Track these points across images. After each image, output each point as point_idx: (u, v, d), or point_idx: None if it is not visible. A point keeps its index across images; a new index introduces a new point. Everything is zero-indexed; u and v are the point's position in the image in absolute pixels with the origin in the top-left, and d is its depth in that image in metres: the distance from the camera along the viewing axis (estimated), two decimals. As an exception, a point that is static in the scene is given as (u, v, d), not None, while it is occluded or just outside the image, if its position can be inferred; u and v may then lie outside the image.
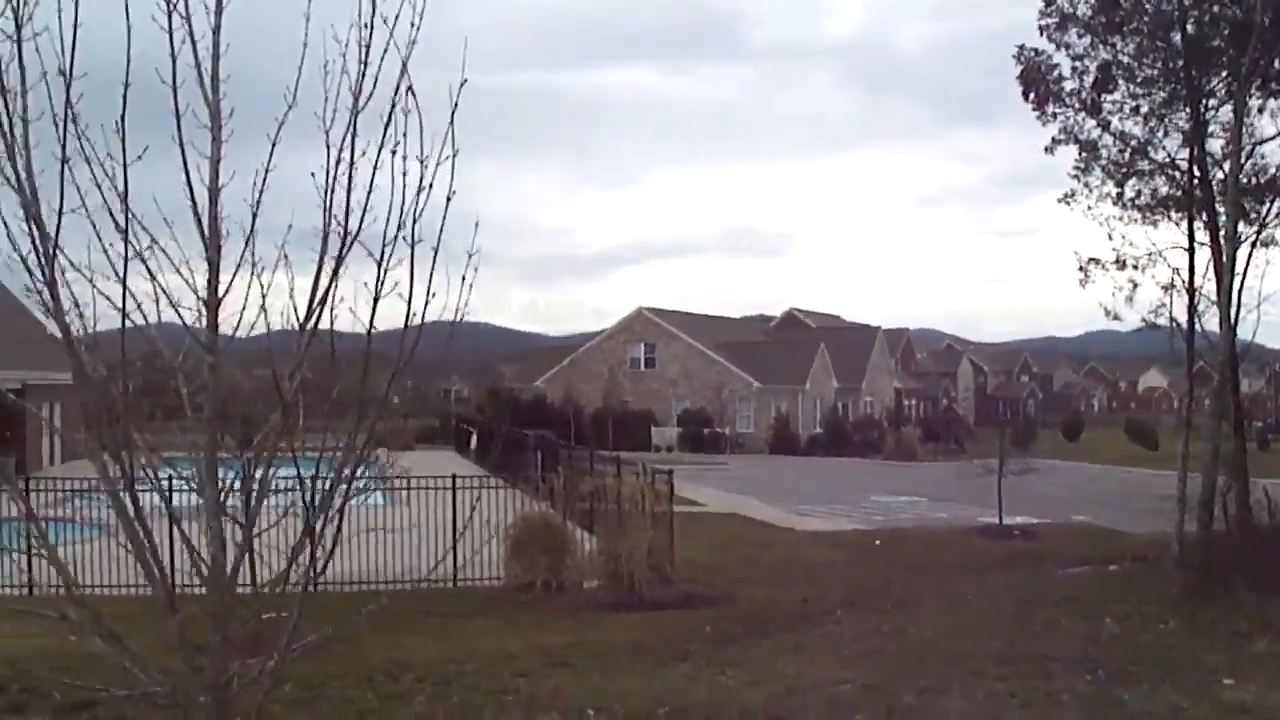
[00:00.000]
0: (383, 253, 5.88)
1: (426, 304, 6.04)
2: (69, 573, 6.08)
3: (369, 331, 5.96)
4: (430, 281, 5.98)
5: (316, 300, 5.88)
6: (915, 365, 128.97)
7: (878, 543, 28.24)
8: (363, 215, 5.80)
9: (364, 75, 5.65)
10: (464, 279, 5.88)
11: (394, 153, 5.69)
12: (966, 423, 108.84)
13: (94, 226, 5.71)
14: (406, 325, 6.05)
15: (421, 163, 5.71)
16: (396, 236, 5.84)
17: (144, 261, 5.72)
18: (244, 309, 5.94)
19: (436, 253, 5.91)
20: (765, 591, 20.58)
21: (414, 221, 5.75)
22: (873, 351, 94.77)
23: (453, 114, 5.68)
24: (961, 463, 46.55)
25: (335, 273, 5.87)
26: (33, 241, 5.63)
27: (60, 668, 13.05)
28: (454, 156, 5.72)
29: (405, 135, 5.73)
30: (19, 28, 5.34)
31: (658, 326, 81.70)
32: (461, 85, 5.67)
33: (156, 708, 7.09)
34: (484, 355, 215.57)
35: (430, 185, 5.75)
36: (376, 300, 5.89)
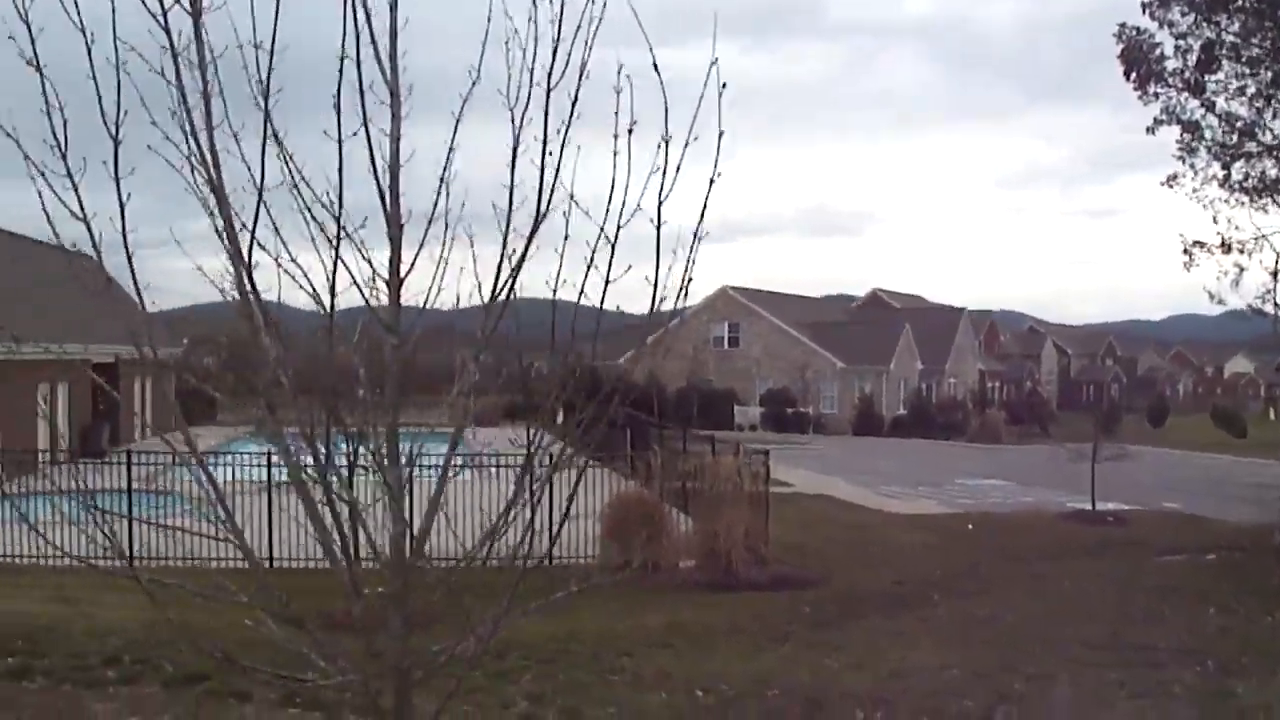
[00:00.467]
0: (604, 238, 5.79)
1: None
2: (252, 553, 6.07)
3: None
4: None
5: (503, 281, 5.83)
6: (999, 347, 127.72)
7: (969, 527, 28.00)
8: (551, 194, 5.72)
9: (556, 51, 5.56)
10: (688, 265, 5.76)
11: (629, 132, 5.56)
12: (1050, 406, 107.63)
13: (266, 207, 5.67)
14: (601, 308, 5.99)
15: (666, 143, 5.59)
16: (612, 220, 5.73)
17: (336, 241, 5.70)
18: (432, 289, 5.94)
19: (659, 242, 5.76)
20: (858, 573, 20.51)
21: (660, 203, 5.63)
22: (957, 333, 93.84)
23: (718, 92, 5.53)
24: (1049, 446, 46.07)
25: (524, 254, 5.83)
26: (225, 223, 5.63)
27: (169, 642, 13.33)
28: (720, 138, 5.58)
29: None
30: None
31: (742, 305, 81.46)
32: (712, 65, 5.51)
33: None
34: (566, 334, 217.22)
35: (676, 168, 5.62)
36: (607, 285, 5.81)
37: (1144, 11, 25.98)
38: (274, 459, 21.38)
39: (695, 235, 5.72)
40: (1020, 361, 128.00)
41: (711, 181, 5.68)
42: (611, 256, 5.81)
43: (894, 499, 33.61)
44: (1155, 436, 79.74)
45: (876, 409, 76.86)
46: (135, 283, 5.99)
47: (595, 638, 14.37)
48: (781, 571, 19.66)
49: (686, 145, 5.57)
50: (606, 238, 5.75)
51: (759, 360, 79.76)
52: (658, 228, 5.62)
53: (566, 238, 5.87)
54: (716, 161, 5.59)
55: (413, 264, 5.84)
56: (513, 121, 5.67)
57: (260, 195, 5.58)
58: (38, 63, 5.24)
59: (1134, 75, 26.35)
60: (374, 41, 5.45)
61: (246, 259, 5.65)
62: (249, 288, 5.72)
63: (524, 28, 5.51)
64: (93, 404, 44.08)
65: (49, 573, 20.81)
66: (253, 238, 5.64)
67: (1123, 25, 26.46)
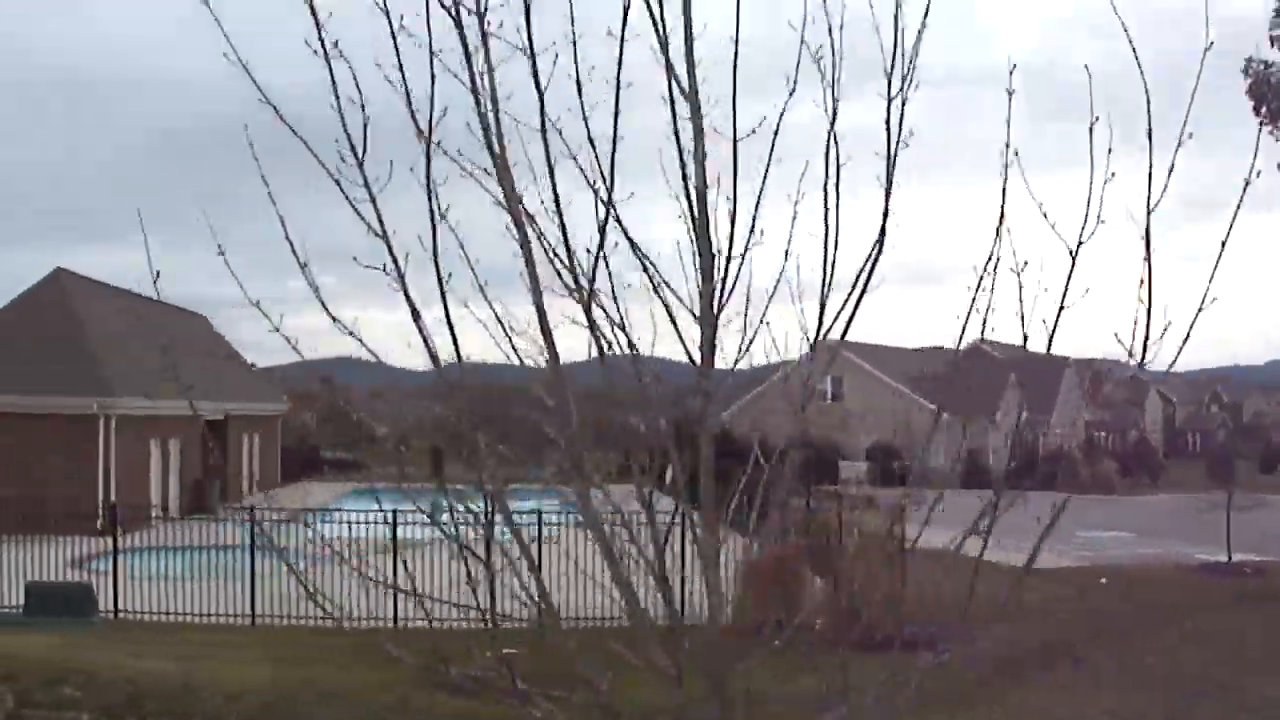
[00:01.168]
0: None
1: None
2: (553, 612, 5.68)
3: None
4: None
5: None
6: (1102, 396, 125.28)
7: (1102, 580, 27.11)
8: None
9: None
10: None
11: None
12: (1159, 455, 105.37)
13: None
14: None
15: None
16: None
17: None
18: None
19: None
20: (1001, 629, 19.72)
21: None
22: (1061, 382, 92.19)
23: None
24: (1167, 496, 44.86)
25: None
26: (532, 283, 5.58)
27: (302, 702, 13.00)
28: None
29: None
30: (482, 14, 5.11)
31: (844, 358, 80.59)
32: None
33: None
34: (660, 389, 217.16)
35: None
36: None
37: (1273, 44, 25.30)
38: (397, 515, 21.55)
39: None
40: (1125, 410, 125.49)
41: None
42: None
43: (1017, 552, 32.63)
44: (1270, 484, 77.52)
45: (983, 460, 75.55)
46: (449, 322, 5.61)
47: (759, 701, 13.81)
48: (924, 629, 18.87)
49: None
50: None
51: (862, 414, 78.83)
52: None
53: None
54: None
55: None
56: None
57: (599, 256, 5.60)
58: (326, 55, 5.07)
59: (1264, 110, 25.59)
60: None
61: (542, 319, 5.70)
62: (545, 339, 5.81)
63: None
64: (203, 461, 44.31)
65: (166, 629, 20.75)
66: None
67: (1249, 60, 25.76)
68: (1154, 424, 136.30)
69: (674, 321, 5.86)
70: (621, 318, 5.90)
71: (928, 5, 5.40)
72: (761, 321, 6.01)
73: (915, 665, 6.08)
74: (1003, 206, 5.77)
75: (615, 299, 5.86)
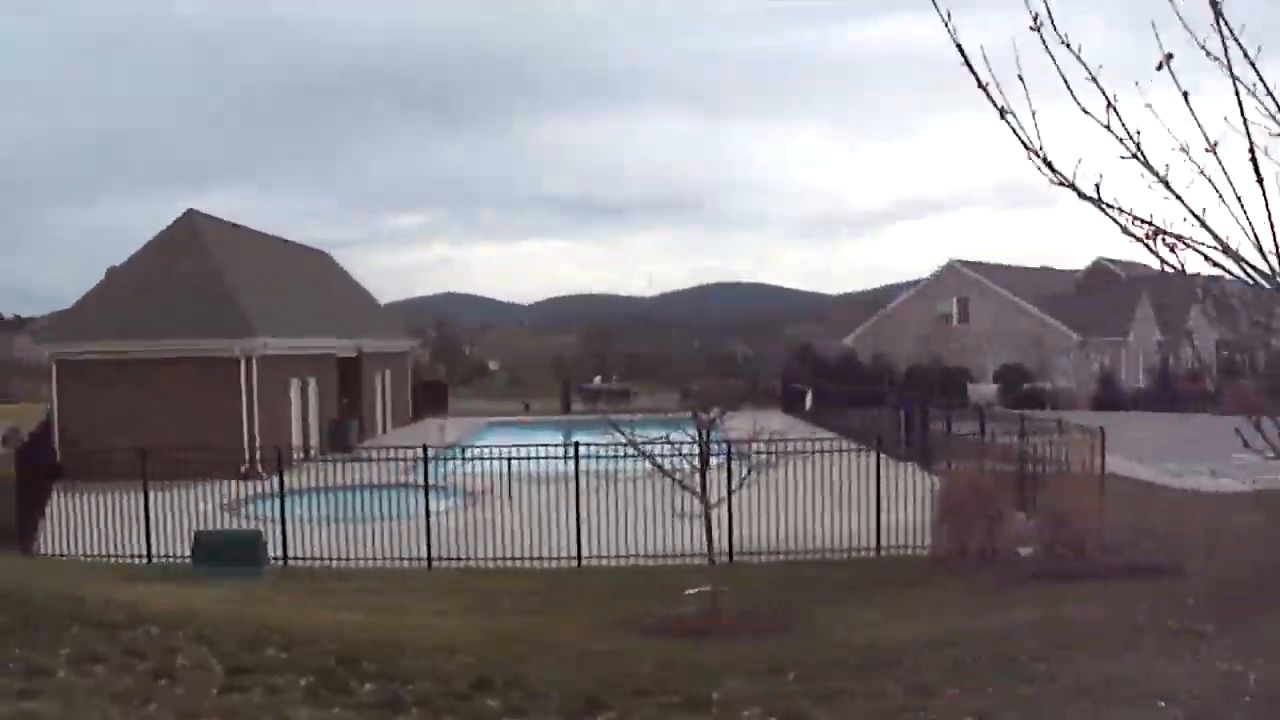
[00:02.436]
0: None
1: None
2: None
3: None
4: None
5: None
6: (1232, 314, 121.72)
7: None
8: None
9: None
10: None
11: None
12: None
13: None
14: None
15: None
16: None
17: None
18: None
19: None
20: (1208, 559, 18.51)
21: None
22: (1194, 301, 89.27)
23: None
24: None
25: None
26: None
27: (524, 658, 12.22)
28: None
29: None
30: None
31: (970, 280, 78.76)
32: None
33: None
34: (762, 315, 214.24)
35: None
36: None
37: None
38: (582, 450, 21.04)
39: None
40: (1260, 328, 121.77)
41: None
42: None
43: (1182, 476, 31.22)
44: None
45: (1116, 383, 73.55)
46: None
47: (982, 638, 12.84)
48: (1131, 559, 17.76)
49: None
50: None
51: (990, 335, 77.05)
52: None
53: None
54: None
55: None
56: None
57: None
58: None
59: None
60: None
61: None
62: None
63: None
64: (339, 399, 44.08)
65: (341, 576, 20.16)
66: None
67: None
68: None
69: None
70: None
71: None
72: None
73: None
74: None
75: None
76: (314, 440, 39.34)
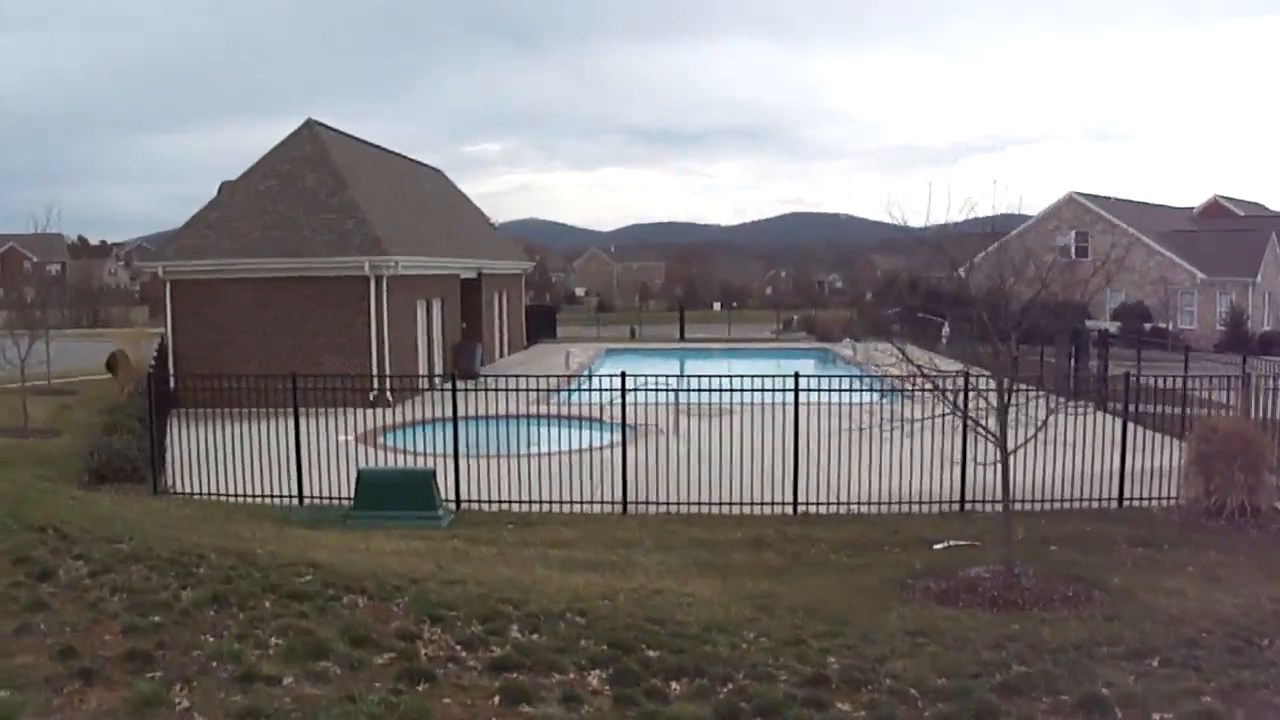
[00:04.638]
0: None
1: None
2: None
3: None
4: None
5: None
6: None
7: None
8: None
9: None
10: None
11: None
12: None
13: None
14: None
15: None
16: None
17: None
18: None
19: None
20: None
21: None
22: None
23: None
24: None
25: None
26: None
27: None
28: None
29: None
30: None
31: (1090, 212, 75.66)
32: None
33: None
34: (848, 246, 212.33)
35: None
36: None
37: None
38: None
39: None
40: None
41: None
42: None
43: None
44: None
45: (1244, 324, 70.27)
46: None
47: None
48: None
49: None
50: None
51: (1110, 272, 73.84)
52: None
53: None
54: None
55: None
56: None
57: None
58: None
59: None
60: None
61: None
62: None
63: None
64: (462, 323, 42.10)
65: (532, 524, 17.98)
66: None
67: None
68: None
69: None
70: None
71: None
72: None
73: None
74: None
75: None
76: (438, 365, 37.45)
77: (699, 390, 19.72)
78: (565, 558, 14.95)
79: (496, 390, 19.67)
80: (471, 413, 19.81)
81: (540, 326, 59.29)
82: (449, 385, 19.69)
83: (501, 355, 48.27)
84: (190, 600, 9.95)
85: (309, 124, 37.77)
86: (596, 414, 24.52)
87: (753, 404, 19.38)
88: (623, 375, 19.45)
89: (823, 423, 18.83)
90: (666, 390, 19.77)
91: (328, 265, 32.58)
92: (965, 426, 15.87)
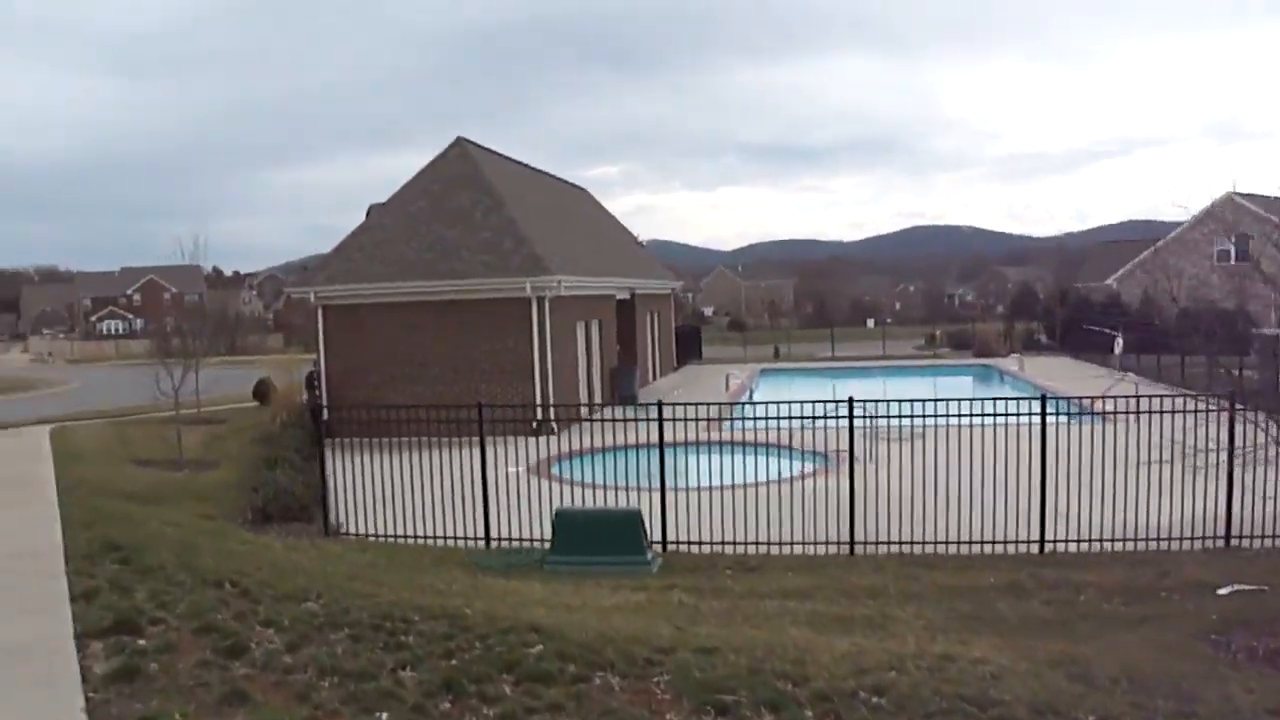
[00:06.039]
0: None
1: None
2: None
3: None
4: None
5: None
6: None
7: None
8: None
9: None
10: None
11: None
12: None
13: None
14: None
15: None
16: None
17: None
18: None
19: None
20: None
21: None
22: None
23: None
24: None
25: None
26: None
27: None
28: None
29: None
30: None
31: (1252, 214, 72.19)
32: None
33: None
34: (973, 258, 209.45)
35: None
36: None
37: None
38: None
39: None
40: None
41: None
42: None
43: None
44: None
45: None
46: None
47: None
48: None
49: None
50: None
51: (1277, 276, 70.34)
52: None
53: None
54: None
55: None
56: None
57: None
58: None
59: None
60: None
61: None
62: None
63: None
64: (618, 345, 40.57)
65: (751, 569, 16.21)
66: None
67: None
68: None
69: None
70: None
71: None
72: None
73: None
74: None
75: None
76: (596, 390, 35.95)
77: (936, 416, 17.37)
78: (810, 612, 13.13)
79: (705, 420, 17.84)
80: (628, 440, 18.10)
81: (688, 347, 57.64)
82: (643, 412, 17.89)
83: (654, 378, 46.68)
84: (416, 686, 8.41)
85: (459, 142, 36.52)
86: (785, 441, 22.68)
87: (952, 427, 17.32)
88: (850, 400, 17.50)
89: (1045, 447, 16.92)
90: (900, 417, 17.60)
91: (487, 287, 31.18)
92: (1230, 454, 13.94)
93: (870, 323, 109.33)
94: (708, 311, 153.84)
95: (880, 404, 18.25)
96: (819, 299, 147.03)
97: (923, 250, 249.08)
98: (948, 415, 17.04)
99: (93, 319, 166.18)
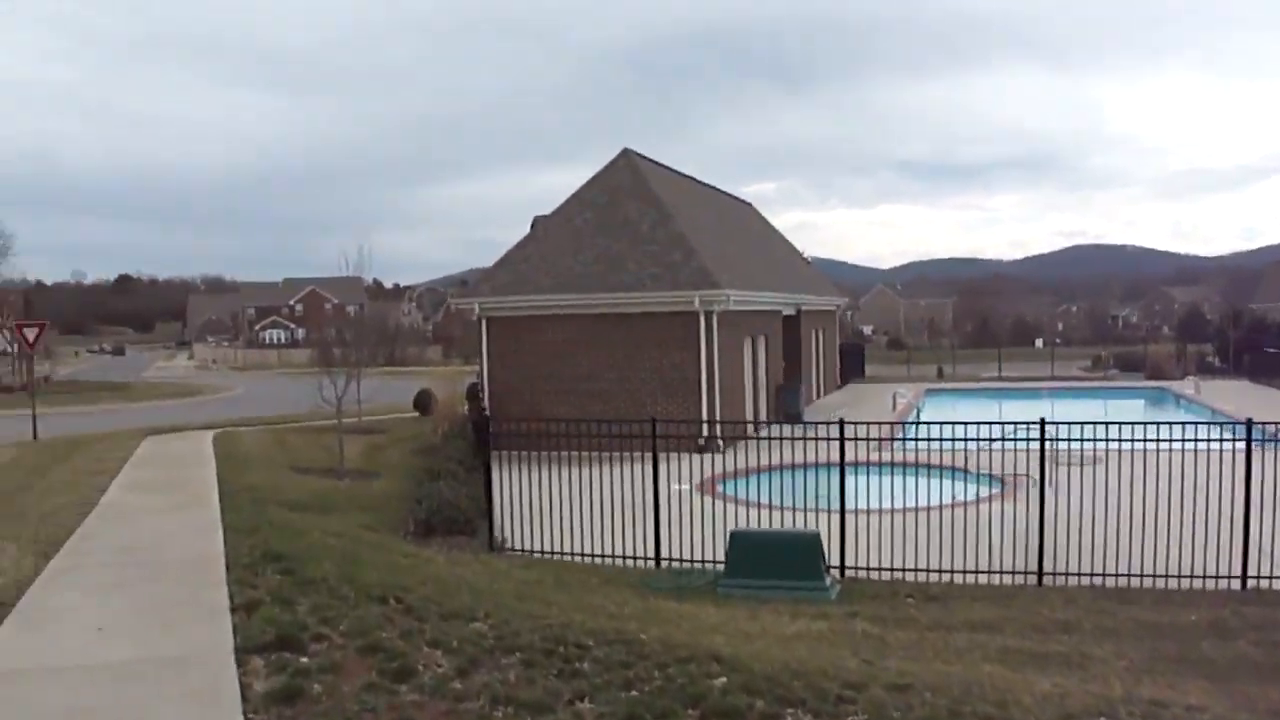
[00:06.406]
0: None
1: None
2: None
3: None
4: None
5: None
6: None
7: None
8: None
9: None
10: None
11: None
12: None
13: None
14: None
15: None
16: None
17: None
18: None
19: None
20: None
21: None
22: None
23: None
24: None
25: None
26: None
27: None
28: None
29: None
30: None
31: None
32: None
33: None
34: (1137, 278, 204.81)
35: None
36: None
37: None
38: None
39: None
40: None
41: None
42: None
43: None
44: None
45: None
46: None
47: None
48: None
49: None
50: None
51: None
52: None
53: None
54: None
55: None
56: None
57: None
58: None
59: None
60: None
61: None
62: None
63: None
64: (784, 362, 39.70)
65: (939, 598, 15.20)
66: None
67: None
68: None
69: None
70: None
71: None
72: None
73: None
74: None
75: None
76: (762, 408, 35.10)
77: (1134, 440, 16.03)
78: (1001, 647, 12.13)
79: (894, 439, 16.85)
80: (792, 459, 17.20)
81: (851, 365, 56.50)
82: (831, 431, 16.92)
83: (818, 396, 45.68)
84: (598, 722, 7.65)
85: (625, 154, 35.95)
86: (957, 462, 21.61)
87: (1135, 452, 16.00)
88: (1041, 422, 16.35)
89: (1250, 475, 15.61)
90: (1095, 440, 16.29)
91: (654, 300, 30.50)
92: None
93: (1038, 342, 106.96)
94: (866, 330, 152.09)
95: (1071, 426, 17.02)
96: (980, 318, 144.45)
97: (1084, 269, 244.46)
98: (1144, 440, 15.81)
99: (256, 328, 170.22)
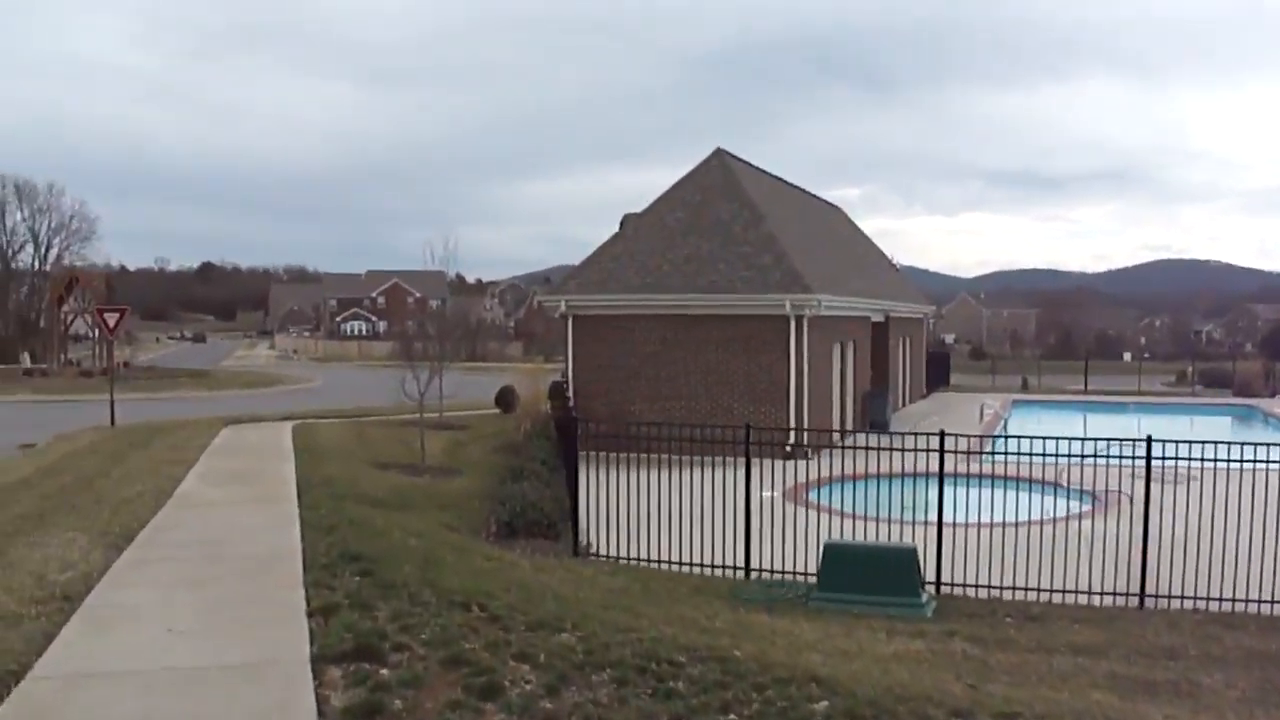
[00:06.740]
0: None
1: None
2: None
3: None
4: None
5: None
6: None
7: None
8: None
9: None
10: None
11: None
12: None
13: None
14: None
15: None
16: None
17: None
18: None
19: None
20: None
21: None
22: None
23: None
24: None
25: None
26: None
27: None
28: None
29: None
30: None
31: None
32: None
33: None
34: (1221, 293, 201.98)
35: None
36: None
37: None
38: None
39: None
40: None
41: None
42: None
43: None
44: None
45: None
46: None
47: None
48: None
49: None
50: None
51: None
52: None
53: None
54: None
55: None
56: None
57: None
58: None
59: None
60: None
61: None
62: None
63: None
64: (873, 368, 38.88)
65: (1032, 616, 14.36)
66: None
67: None
68: None
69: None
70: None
71: None
72: None
73: None
74: None
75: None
76: (849, 415, 34.33)
77: (1244, 461, 15.14)
78: (1107, 673, 11.34)
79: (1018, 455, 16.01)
80: (880, 469, 16.42)
81: (936, 374, 55.51)
82: (931, 442, 16.15)
83: (904, 404, 44.79)
84: (701, 751, 7.03)
85: (718, 153, 35.29)
86: (1049, 476, 20.75)
87: (1232, 471, 15.04)
88: (1148, 439, 15.45)
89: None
90: (1200, 460, 15.40)
91: (744, 303, 29.80)
92: None
93: (1127, 356, 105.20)
94: (949, 338, 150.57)
95: (1179, 444, 16.08)
96: (1063, 330, 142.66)
97: (1167, 284, 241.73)
98: (1254, 460, 14.91)
99: (337, 319, 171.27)
